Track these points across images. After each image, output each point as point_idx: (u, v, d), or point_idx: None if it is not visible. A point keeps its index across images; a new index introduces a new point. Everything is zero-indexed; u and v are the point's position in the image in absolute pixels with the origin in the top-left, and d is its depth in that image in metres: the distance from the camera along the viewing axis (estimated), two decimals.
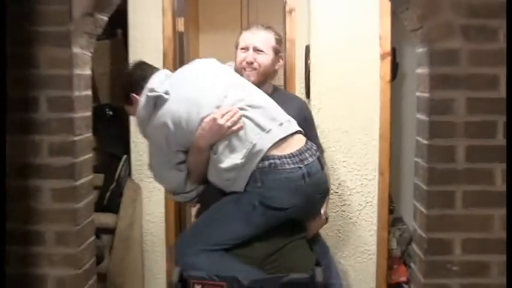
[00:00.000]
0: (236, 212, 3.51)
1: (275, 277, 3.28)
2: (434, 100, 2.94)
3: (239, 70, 3.97)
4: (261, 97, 3.68)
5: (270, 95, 3.82)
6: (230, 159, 3.45)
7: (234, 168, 3.42)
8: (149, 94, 3.52)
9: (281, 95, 4.07)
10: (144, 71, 3.70)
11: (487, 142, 2.94)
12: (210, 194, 3.69)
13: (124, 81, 3.76)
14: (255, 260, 3.46)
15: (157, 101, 3.52)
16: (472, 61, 2.91)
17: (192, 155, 3.57)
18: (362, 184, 4.89)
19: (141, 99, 3.59)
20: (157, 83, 3.56)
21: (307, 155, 3.49)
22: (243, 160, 3.41)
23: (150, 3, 5.04)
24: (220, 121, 3.42)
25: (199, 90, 3.59)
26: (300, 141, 3.57)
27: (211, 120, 3.45)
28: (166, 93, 3.53)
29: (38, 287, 3.07)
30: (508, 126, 2.91)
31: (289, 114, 3.65)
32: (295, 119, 3.66)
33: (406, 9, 3.07)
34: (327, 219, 4.04)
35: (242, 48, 4.00)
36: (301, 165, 3.43)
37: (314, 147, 3.60)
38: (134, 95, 3.62)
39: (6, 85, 1.77)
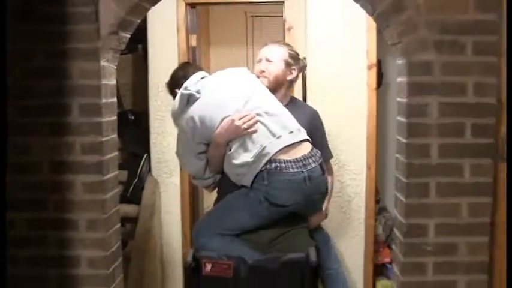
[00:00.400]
0: (244, 204, 3.60)
1: (275, 256, 3.33)
2: (412, 105, 2.97)
3: (271, 83, 4.02)
4: (277, 106, 3.76)
5: (286, 105, 3.91)
6: (242, 157, 3.55)
7: (244, 165, 3.52)
8: (183, 92, 3.68)
9: (296, 105, 4.15)
10: (186, 71, 3.90)
11: (456, 141, 2.97)
12: (227, 184, 3.76)
13: (170, 78, 3.99)
14: (261, 244, 3.53)
15: (190, 98, 3.65)
16: (443, 71, 2.94)
17: (212, 148, 3.69)
18: (351, 178, 4.90)
19: (178, 96, 3.75)
20: (191, 82, 3.70)
21: (311, 161, 3.57)
22: (252, 159, 3.50)
23: (166, 22, 5.06)
24: (238, 122, 3.53)
25: (225, 94, 3.71)
26: (306, 148, 3.63)
27: (230, 120, 3.56)
28: (198, 92, 3.66)
29: (74, 266, 3.11)
30: (508, 127, 2.92)
31: (300, 122, 3.74)
32: (305, 126, 3.75)
33: (387, 27, 3.10)
34: (326, 214, 4.13)
35: (258, 60, 4.09)
36: (304, 170, 3.51)
37: (318, 154, 3.65)
38: (177, 90, 3.81)
39: (6, 90, 1.78)
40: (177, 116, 3.78)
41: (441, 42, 2.93)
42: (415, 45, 2.94)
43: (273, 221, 3.59)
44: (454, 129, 2.98)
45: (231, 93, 3.74)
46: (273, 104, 3.76)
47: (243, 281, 3.17)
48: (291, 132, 3.63)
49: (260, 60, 4.08)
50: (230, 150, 3.62)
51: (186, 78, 3.80)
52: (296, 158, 3.54)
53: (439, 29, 2.92)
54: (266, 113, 3.64)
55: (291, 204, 3.53)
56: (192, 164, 3.82)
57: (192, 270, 3.19)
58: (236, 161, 3.58)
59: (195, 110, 3.68)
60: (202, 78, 3.80)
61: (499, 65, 2.97)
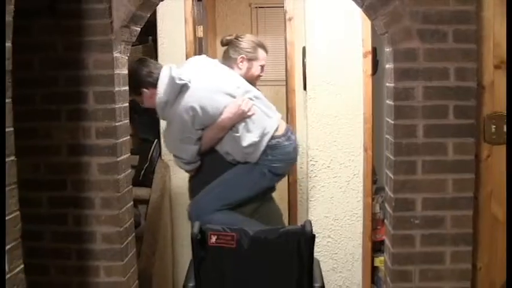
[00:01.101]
0: (249, 179, 3.92)
1: (275, 228, 3.49)
2: (398, 89, 3.12)
3: (252, 79, 4.22)
4: (257, 90, 4.06)
5: None
6: (248, 138, 3.83)
7: (252, 144, 3.83)
8: (177, 82, 3.74)
9: None
10: (149, 67, 3.93)
11: (440, 122, 3.13)
12: (209, 166, 4.04)
13: (134, 79, 3.69)
14: (245, 213, 3.90)
15: (183, 88, 3.75)
16: (427, 58, 3.09)
17: (213, 132, 3.87)
18: (350, 159, 5.02)
19: (161, 88, 3.78)
20: (180, 73, 3.80)
21: (290, 133, 3.95)
22: (258, 138, 3.79)
23: (174, 15, 5.17)
24: (243, 107, 3.78)
25: (217, 82, 3.91)
26: (282, 122, 4.02)
27: (236, 105, 3.79)
28: (189, 81, 3.78)
29: (90, 241, 3.27)
30: (508, 125, 3.10)
31: None
32: None
33: (376, 18, 3.25)
34: None
35: (261, 65, 4.27)
36: (292, 141, 3.91)
37: (290, 127, 4.06)
38: (144, 89, 3.88)
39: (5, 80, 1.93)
40: (167, 106, 3.80)
41: (424, 31, 3.08)
42: (400, 35, 3.09)
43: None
44: (437, 111, 3.13)
45: (222, 80, 3.96)
46: (254, 88, 4.07)
47: (246, 251, 3.31)
48: (273, 111, 4.01)
49: (263, 66, 4.30)
50: (237, 132, 3.84)
51: (152, 74, 3.86)
52: (283, 133, 3.91)
53: (422, 19, 3.07)
54: (255, 97, 3.95)
55: (287, 172, 4.02)
56: (188, 150, 3.90)
57: (199, 242, 3.32)
58: (244, 143, 3.84)
59: (193, 99, 3.76)
60: (181, 68, 3.94)
61: (478, 51, 3.14)
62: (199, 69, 4.00)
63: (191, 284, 3.39)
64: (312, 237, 3.29)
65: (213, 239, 3.31)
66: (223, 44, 4.36)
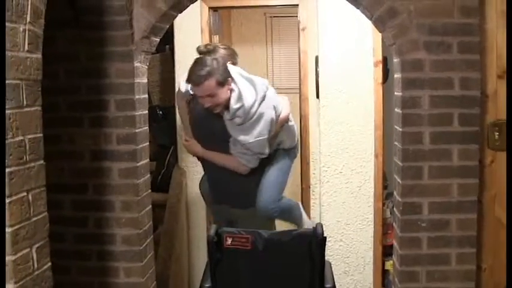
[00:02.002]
0: (289, 163, 4.44)
1: (288, 230, 3.58)
2: (406, 97, 3.21)
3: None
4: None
5: None
6: (294, 124, 4.46)
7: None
8: (264, 87, 4.09)
9: None
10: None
11: (445, 129, 3.21)
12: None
13: (225, 69, 3.96)
14: None
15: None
16: (433, 68, 3.18)
17: (278, 126, 4.20)
18: (361, 166, 5.10)
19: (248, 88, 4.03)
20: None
21: None
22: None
23: (191, 24, 5.24)
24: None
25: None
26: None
27: (287, 101, 4.34)
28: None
29: (110, 243, 3.38)
30: (508, 126, 3.14)
31: None
32: None
33: (384, 30, 3.33)
34: None
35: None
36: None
37: None
38: (229, 79, 4.00)
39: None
40: (254, 105, 3.97)
41: (430, 42, 3.17)
42: (407, 46, 3.18)
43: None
44: (443, 119, 3.21)
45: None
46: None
47: (260, 253, 3.38)
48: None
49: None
50: (291, 121, 4.38)
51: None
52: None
53: (428, 31, 3.16)
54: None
55: None
56: (268, 145, 4.12)
57: (215, 244, 3.38)
58: (295, 129, 4.48)
59: (271, 99, 4.09)
60: None
61: (481, 62, 3.22)
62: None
63: (207, 285, 3.45)
64: (322, 240, 3.37)
65: (229, 241, 3.38)
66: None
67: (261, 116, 3.98)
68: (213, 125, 4.12)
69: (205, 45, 4.47)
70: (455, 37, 3.18)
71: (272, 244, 3.40)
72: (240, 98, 3.94)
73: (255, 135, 4.00)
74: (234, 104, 3.93)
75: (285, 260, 3.44)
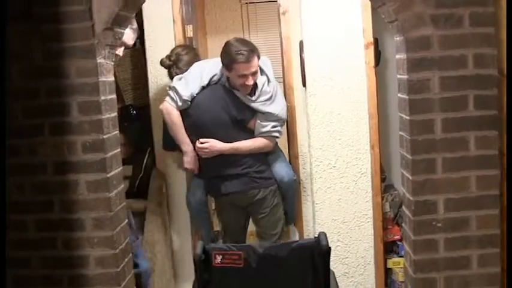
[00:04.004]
0: None
1: (286, 243, 3.37)
2: (412, 81, 2.93)
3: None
4: None
5: None
6: None
7: None
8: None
9: None
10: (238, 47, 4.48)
11: (459, 114, 2.94)
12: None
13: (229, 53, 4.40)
14: None
15: None
16: (442, 45, 2.89)
17: None
18: (356, 158, 4.87)
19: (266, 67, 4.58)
20: None
21: None
22: None
23: (162, 14, 5.03)
24: None
25: None
26: None
27: None
28: None
29: (83, 265, 3.09)
30: (508, 126, 2.91)
31: None
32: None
33: (383, 4, 3.04)
34: None
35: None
36: None
37: None
38: (235, 65, 4.39)
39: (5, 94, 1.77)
40: (268, 81, 4.55)
41: (438, 16, 2.89)
42: (411, 21, 2.90)
43: None
44: (456, 103, 2.94)
45: None
46: None
47: (254, 270, 3.18)
48: None
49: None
50: None
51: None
52: None
53: (435, 3, 2.88)
54: None
55: None
56: None
57: (203, 263, 3.20)
58: None
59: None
60: None
61: (498, 36, 2.93)
62: None
63: None
64: (327, 251, 3.17)
65: (218, 259, 3.20)
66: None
67: (276, 86, 4.59)
68: (230, 111, 4.52)
69: (168, 57, 4.79)
70: (466, 8, 2.88)
71: (267, 260, 3.22)
72: (262, 74, 4.52)
73: (281, 104, 4.61)
74: (259, 81, 4.47)
75: (283, 277, 3.25)
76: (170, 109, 4.54)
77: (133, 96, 5.51)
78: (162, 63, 4.77)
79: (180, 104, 4.50)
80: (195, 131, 4.58)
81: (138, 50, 5.36)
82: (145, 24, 5.05)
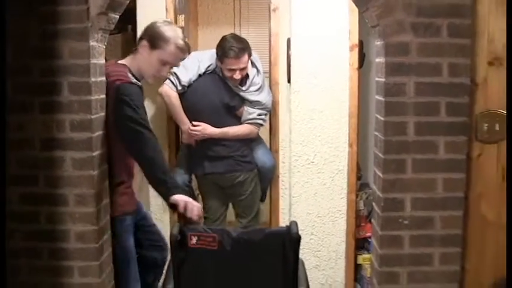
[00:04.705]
0: None
1: (259, 229, 3.49)
2: (389, 84, 3.01)
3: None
4: None
5: None
6: None
7: None
8: None
9: None
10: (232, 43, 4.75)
11: (432, 119, 3.03)
12: None
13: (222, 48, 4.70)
14: None
15: None
16: (419, 52, 2.98)
17: None
18: (334, 155, 4.92)
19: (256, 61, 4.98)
20: None
21: None
22: None
23: (155, 3, 5.04)
24: None
25: None
26: None
27: None
28: None
29: (64, 240, 3.14)
30: (508, 126, 3.00)
31: None
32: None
33: (367, 10, 3.13)
34: None
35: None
36: None
37: None
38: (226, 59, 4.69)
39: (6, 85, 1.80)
40: (258, 74, 4.91)
41: (417, 24, 2.97)
42: (392, 27, 2.98)
43: None
44: (429, 108, 3.03)
45: None
46: None
47: (228, 253, 3.23)
48: None
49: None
50: None
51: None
52: None
53: (416, 12, 2.96)
54: None
55: None
56: None
57: (178, 243, 3.24)
58: None
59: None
60: None
61: (472, 47, 3.04)
62: None
63: (170, 287, 3.31)
64: (297, 239, 3.21)
65: (194, 240, 3.23)
66: None
67: (263, 77, 4.93)
68: (223, 98, 4.84)
69: None
70: (445, 19, 2.99)
71: (241, 244, 3.25)
72: (253, 67, 4.86)
73: (268, 92, 4.96)
74: (251, 73, 4.84)
75: (255, 261, 3.28)
76: (170, 92, 4.74)
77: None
78: None
79: (179, 88, 4.75)
80: (190, 114, 4.82)
81: (129, 35, 5.41)
82: (138, 11, 5.05)
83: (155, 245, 4.01)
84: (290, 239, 3.20)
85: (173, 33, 3.57)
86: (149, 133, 3.44)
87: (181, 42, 3.57)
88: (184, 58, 3.76)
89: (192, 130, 4.80)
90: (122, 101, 3.39)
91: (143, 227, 3.91)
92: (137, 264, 3.69)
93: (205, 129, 4.80)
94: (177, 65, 3.90)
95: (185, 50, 3.62)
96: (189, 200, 3.47)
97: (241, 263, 3.27)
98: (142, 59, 3.59)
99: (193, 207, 3.43)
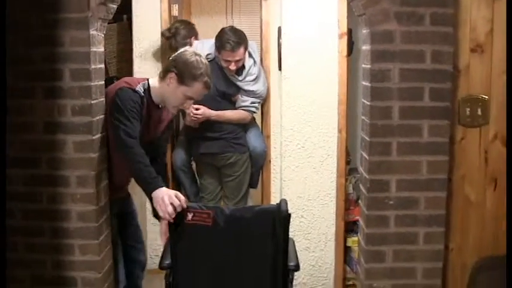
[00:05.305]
0: None
1: (250, 206, 3.64)
2: (375, 70, 3.13)
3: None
4: None
5: None
6: None
7: None
8: None
9: None
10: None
11: (416, 104, 3.15)
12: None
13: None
14: None
15: None
16: (403, 40, 3.10)
17: None
18: (324, 140, 5.00)
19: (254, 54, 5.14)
20: None
21: None
22: None
23: None
24: None
25: None
26: None
27: None
28: None
29: (65, 219, 3.25)
30: (508, 125, 3.13)
31: None
32: None
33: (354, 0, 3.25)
34: None
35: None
36: None
37: None
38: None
39: (5, 74, 1.88)
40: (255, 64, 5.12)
41: (401, 13, 3.09)
42: (377, 16, 3.09)
43: None
44: (413, 93, 3.15)
45: None
46: None
47: (222, 229, 3.34)
48: None
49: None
50: None
51: None
52: None
53: (400, 1, 3.08)
54: None
55: None
56: None
57: (175, 218, 3.32)
58: None
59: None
60: None
61: (455, 34, 3.16)
62: None
63: (167, 262, 3.39)
64: (287, 217, 3.31)
65: (190, 216, 3.33)
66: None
67: (260, 69, 5.11)
68: (220, 86, 5.02)
69: (168, 30, 5.23)
70: (428, 8, 3.11)
71: (233, 220, 3.36)
72: (250, 57, 5.03)
73: (263, 84, 5.11)
74: (247, 64, 5.03)
75: (247, 237, 3.39)
76: None
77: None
78: (162, 34, 5.25)
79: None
80: None
81: (125, 24, 5.50)
82: (133, 1, 5.17)
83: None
84: (280, 216, 3.32)
85: (202, 70, 3.57)
86: (124, 134, 3.40)
87: (208, 80, 3.59)
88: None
89: (194, 114, 4.94)
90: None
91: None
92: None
93: (204, 112, 4.97)
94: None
95: (210, 87, 3.66)
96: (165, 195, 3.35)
97: (234, 238, 3.38)
98: (168, 90, 3.59)
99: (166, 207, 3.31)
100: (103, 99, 3.38)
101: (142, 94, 3.54)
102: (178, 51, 3.72)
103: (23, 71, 3.20)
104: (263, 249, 3.37)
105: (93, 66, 3.19)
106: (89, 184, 3.24)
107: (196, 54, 3.63)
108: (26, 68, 3.19)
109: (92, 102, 3.19)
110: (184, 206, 3.32)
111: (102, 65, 3.38)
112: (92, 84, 3.19)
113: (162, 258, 3.45)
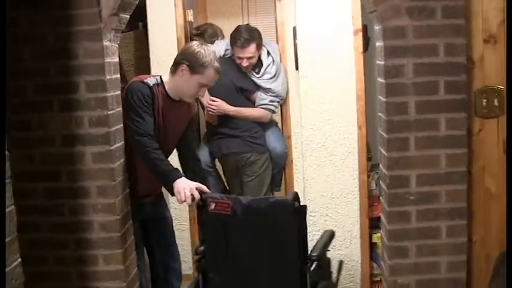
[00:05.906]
0: None
1: (265, 197, 3.92)
2: (388, 66, 3.13)
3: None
4: None
5: None
6: None
7: None
8: None
9: None
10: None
11: (431, 98, 3.14)
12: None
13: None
14: None
15: None
16: (416, 35, 3.10)
17: None
18: (344, 138, 4.98)
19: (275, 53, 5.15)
20: None
21: None
22: None
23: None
24: None
25: None
26: None
27: None
28: None
29: (88, 230, 3.29)
30: (508, 125, 3.12)
31: None
32: None
33: None
34: None
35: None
36: None
37: None
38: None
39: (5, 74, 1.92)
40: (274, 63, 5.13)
41: (412, 8, 3.09)
42: (389, 12, 3.10)
43: None
44: (428, 87, 3.14)
45: None
46: None
47: (239, 217, 3.47)
48: None
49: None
50: None
51: None
52: None
53: None
54: None
55: None
56: None
57: (201, 208, 3.56)
58: None
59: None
60: None
61: (467, 27, 3.15)
62: None
63: (201, 248, 3.61)
64: (296, 208, 3.39)
65: (212, 205, 3.52)
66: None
67: (281, 68, 5.11)
68: (237, 81, 5.09)
69: (197, 28, 5.65)
70: (438, 1, 3.10)
71: (250, 210, 3.49)
72: (268, 56, 5.10)
73: (282, 83, 5.12)
74: (265, 62, 5.08)
75: (263, 226, 3.50)
76: None
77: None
78: (192, 32, 5.50)
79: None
80: (209, 93, 4.92)
81: (141, 32, 5.49)
82: (148, 8, 5.17)
83: None
84: (292, 207, 3.39)
85: (210, 57, 3.67)
86: (137, 135, 3.52)
87: (217, 65, 3.70)
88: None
89: (209, 104, 4.98)
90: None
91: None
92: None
93: (220, 105, 5.00)
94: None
95: (220, 71, 3.76)
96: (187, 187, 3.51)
97: (251, 227, 3.50)
98: (182, 82, 3.68)
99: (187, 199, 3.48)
100: (120, 109, 3.40)
101: (151, 85, 3.63)
102: (184, 46, 3.94)
103: (39, 85, 3.23)
104: (279, 238, 3.47)
105: (108, 77, 3.22)
106: (109, 194, 3.27)
107: (201, 44, 3.75)
108: (40, 81, 3.23)
109: (109, 113, 3.22)
110: (205, 195, 3.54)
111: (118, 75, 3.41)
112: (108, 95, 3.22)
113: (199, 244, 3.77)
